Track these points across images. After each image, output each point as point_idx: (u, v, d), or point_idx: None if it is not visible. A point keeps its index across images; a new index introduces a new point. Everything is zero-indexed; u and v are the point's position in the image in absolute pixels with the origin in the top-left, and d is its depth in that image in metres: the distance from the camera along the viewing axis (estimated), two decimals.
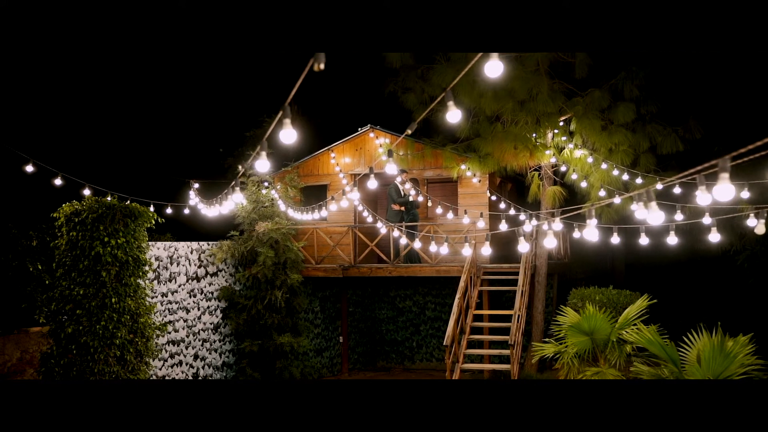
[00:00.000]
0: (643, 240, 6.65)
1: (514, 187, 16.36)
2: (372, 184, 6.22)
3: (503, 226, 7.15)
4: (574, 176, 12.50)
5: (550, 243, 5.82)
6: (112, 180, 11.81)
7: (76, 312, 9.83)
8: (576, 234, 9.52)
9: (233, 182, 5.36)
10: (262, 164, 4.25)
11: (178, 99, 18.96)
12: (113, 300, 9.88)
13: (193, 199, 12.05)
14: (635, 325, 8.85)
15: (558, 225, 5.85)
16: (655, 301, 9.50)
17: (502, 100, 12.75)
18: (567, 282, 16.14)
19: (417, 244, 9.10)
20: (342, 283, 15.98)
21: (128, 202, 10.58)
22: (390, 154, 5.39)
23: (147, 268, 10.55)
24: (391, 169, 5.46)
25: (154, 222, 10.61)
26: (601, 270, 18.84)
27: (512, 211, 11.10)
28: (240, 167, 4.54)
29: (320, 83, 18.33)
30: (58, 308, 10.00)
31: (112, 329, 9.85)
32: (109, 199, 10.45)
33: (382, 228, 9.65)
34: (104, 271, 9.90)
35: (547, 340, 10.03)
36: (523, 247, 5.56)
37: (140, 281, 10.49)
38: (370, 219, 11.21)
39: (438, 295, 17.65)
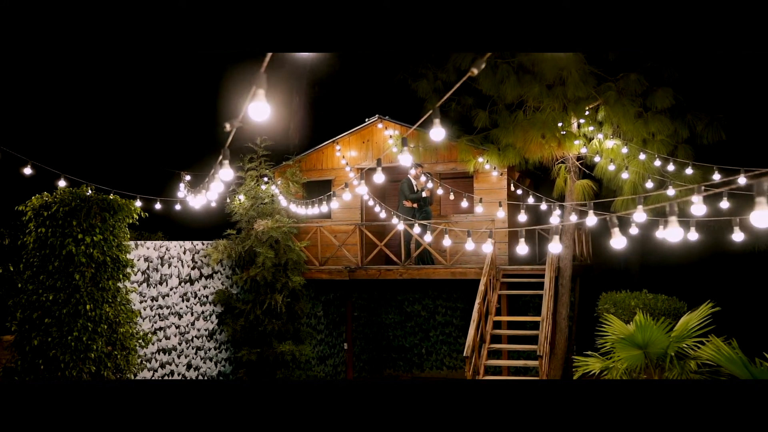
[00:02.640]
0: (738, 236, 5.05)
1: (532, 183, 14.74)
2: (406, 159, 4.70)
3: (558, 220, 5.57)
4: (611, 167, 10.86)
5: (619, 243, 4.26)
6: (92, 171, 10.14)
7: (45, 320, 8.18)
8: (633, 230, 7.94)
9: (221, 153, 3.76)
10: (260, 109, 2.68)
11: (171, 85, 17.05)
12: (88, 307, 8.22)
13: (182, 191, 10.37)
14: (706, 337, 7.23)
15: (641, 216, 4.29)
16: (718, 308, 7.89)
17: (527, 85, 11.14)
18: (589, 285, 14.51)
19: (446, 242, 7.50)
20: (347, 286, 14.35)
21: (111, 195, 8.93)
22: (442, 110, 3.84)
23: (129, 269, 8.90)
24: (438, 134, 3.94)
25: (137, 217, 8.97)
26: (614, 271, 17.18)
27: (543, 206, 9.46)
28: (227, 125, 3.15)
29: (323, 72, 16.70)
30: (26, 316, 8.35)
31: (87, 341, 8.19)
32: (89, 193, 8.79)
33: (399, 225, 8.11)
34: (77, 273, 8.24)
35: (589, 353, 8.41)
36: (619, 242, 3.99)
37: (120, 285, 8.84)
38: (383, 215, 9.66)
39: (449, 299, 16.02)
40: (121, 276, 8.69)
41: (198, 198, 5.47)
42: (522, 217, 8.15)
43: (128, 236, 8.92)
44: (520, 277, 12.50)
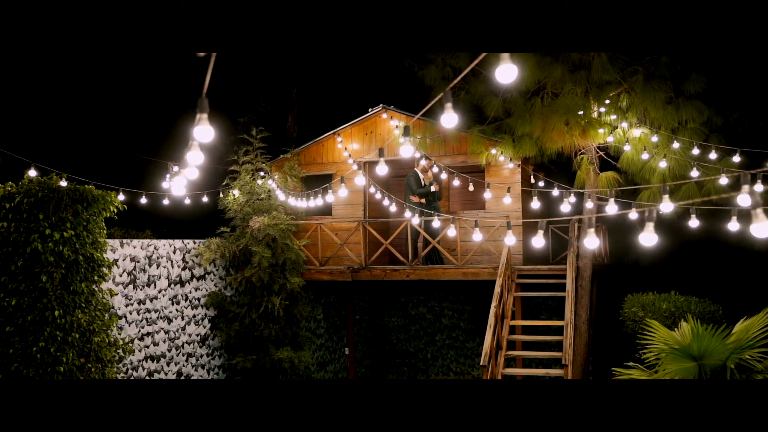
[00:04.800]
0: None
1: (545, 177, 13.51)
2: (407, 151, 3.64)
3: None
4: (645, 156, 9.62)
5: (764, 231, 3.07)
6: (68, 160, 8.86)
7: (6, 329, 6.88)
8: (693, 222, 6.73)
9: (198, 105, 2.53)
10: None
11: (157, 67, 15.53)
12: (57, 313, 6.94)
13: (169, 183, 9.07)
14: None
15: (746, 200, 3.08)
16: None
17: (547, 68, 9.95)
18: (607, 286, 13.29)
19: (476, 236, 6.27)
20: (349, 288, 13.09)
21: (86, 186, 7.65)
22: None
23: (105, 269, 7.61)
24: (450, 120, 2.93)
25: (115, 210, 7.68)
26: (622, 269, 15.92)
27: (573, 198, 8.23)
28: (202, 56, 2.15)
29: (323, 59, 15.43)
30: None
31: (55, 352, 6.90)
32: (64, 183, 7.50)
33: (414, 218, 6.96)
34: (44, 274, 6.96)
35: (631, 364, 7.18)
36: (765, 229, 2.77)
37: (96, 287, 7.56)
38: (393, 208, 8.45)
39: (456, 301, 14.77)
40: (95, 277, 7.40)
41: (177, 180, 4.26)
42: (566, 207, 6.93)
43: (105, 232, 7.63)
44: (537, 278, 11.29)
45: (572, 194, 8.45)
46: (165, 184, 9.06)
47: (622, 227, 14.40)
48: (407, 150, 4.47)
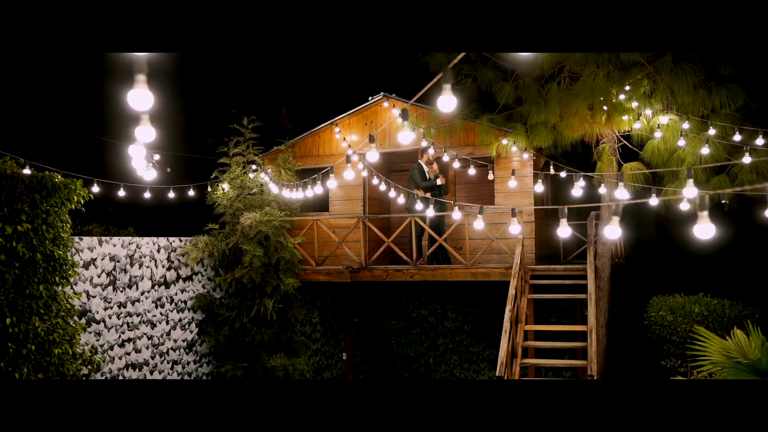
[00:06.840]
0: None
1: (565, 167, 12.36)
2: (406, 137, 2.83)
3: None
4: (681, 143, 8.50)
5: None
6: (36, 149, 7.65)
7: None
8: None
9: None
10: None
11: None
12: (8, 321, 5.72)
13: (144, 171, 7.84)
14: None
15: None
16: None
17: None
18: (623, 287, 12.15)
19: (513, 228, 5.12)
20: (347, 289, 11.91)
21: (49, 174, 6.45)
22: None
23: (70, 269, 6.40)
24: (448, 102, 2.10)
25: (81, 201, 6.47)
26: (637, 269, 14.83)
27: (603, 189, 7.08)
28: None
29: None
30: None
31: (6, 367, 5.69)
32: (27, 172, 6.30)
33: (429, 211, 5.90)
34: None
35: (679, 379, 6.06)
36: None
37: (58, 290, 6.34)
38: (401, 200, 7.31)
39: (459, 303, 13.61)
40: (57, 279, 6.19)
41: (135, 150, 3.14)
42: (621, 194, 5.80)
43: (69, 226, 6.42)
44: (552, 279, 10.16)
45: (601, 185, 7.35)
46: (140, 172, 7.87)
47: (631, 225, 13.30)
48: (406, 137, 3.50)
